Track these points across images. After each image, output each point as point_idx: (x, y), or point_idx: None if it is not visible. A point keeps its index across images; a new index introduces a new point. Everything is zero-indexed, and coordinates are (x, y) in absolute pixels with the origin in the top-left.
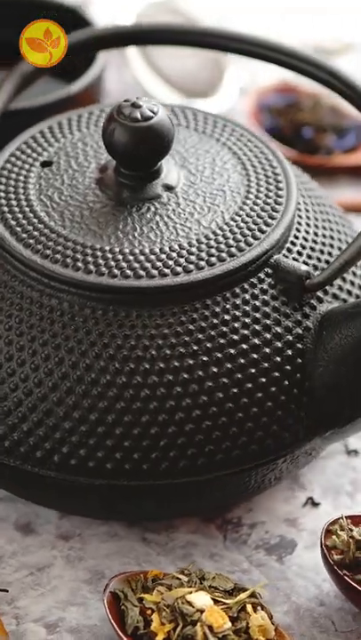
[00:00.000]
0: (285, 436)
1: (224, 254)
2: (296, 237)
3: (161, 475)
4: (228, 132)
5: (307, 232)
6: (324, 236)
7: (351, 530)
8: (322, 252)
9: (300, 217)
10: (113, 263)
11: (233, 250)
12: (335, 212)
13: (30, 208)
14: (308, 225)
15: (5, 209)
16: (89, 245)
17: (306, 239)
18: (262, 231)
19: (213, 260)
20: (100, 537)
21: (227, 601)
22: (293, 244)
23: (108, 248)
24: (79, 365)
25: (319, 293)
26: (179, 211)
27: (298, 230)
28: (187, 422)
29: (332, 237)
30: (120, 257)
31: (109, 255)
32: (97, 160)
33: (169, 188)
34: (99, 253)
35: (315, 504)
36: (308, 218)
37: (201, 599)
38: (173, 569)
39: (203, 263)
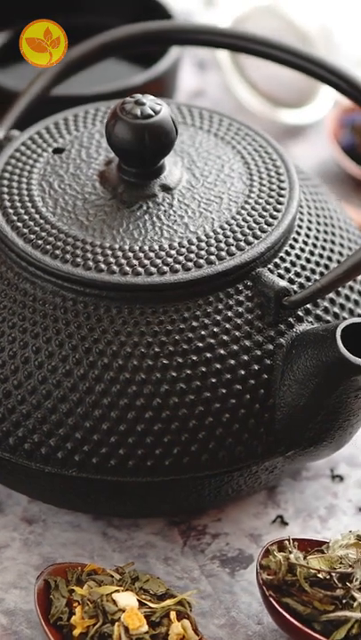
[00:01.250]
0: (241, 450)
1: (202, 260)
2: (287, 253)
3: (108, 471)
4: (247, 140)
5: (302, 250)
6: (321, 255)
7: (290, 552)
8: (313, 270)
9: (297, 233)
10: (90, 255)
11: (212, 257)
12: (345, 232)
13: (28, 192)
14: (304, 242)
15: (5, 189)
16: (72, 235)
17: (298, 256)
18: (248, 242)
19: (190, 264)
20: (63, 526)
21: (153, 605)
22: (283, 259)
23: (89, 240)
24: (42, 352)
25: (300, 313)
26: (170, 212)
27: (291, 247)
28: (139, 422)
29: (330, 257)
30: (99, 250)
31: (88, 247)
32: (107, 153)
33: (166, 189)
34: (79, 244)
35: (284, 523)
36: (307, 236)
37: (125, 599)
38: None
39: (178, 267)
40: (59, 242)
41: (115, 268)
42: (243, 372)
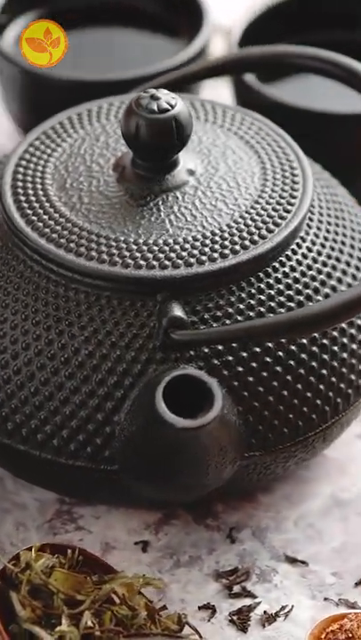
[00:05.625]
0: (75, 447)
1: (167, 262)
2: (287, 259)
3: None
4: (254, 130)
5: (293, 268)
6: (325, 263)
7: (52, 557)
8: (314, 278)
9: (302, 239)
10: (94, 246)
11: (178, 262)
12: (358, 238)
13: (42, 181)
14: (308, 249)
15: (20, 176)
16: (84, 228)
17: (294, 268)
18: (211, 259)
19: (141, 262)
20: None
21: None
22: (283, 263)
23: (86, 226)
24: (40, 338)
25: (192, 353)
26: (175, 209)
27: (289, 257)
28: (29, 398)
29: (334, 266)
30: (103, 241)
31: (94, 238)
32: (123, 146)
33: (176, 186)
34: (85, 234)
35: (143, 550)
36: (312, 242)
37: None
38: None
39: (142, 262)
40: (72, 235)
41: (154, 263)
42: (99, 377)
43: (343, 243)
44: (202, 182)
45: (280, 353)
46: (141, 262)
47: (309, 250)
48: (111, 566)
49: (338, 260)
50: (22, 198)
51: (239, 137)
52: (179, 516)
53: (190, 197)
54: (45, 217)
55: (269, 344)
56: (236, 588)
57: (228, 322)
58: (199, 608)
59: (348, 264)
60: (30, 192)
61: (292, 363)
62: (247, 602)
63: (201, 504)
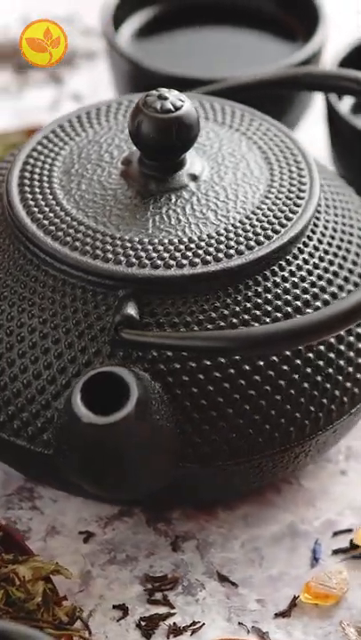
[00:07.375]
0: (16, 425)
1: (134, 260)
2: (287, 263)
3: None
4: (280, 147)
5: (266, 289)
6: (326, 269)
7: None
8: (313, 283)
9: (305, 244)
10: (99, 245)
11: (145, 262)
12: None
13: (49, 179)
14: (310, 254)
15: (35, 154)
16: (90, 227)
17: (268, 289)
18: (215, 260)
19: (109, 256)
20: None
21: None
22: (283, 266)
23: (72, 212)
24: (3, 313)
25: (140, 354)
26: (154, 211)
27: (265, 277)
28: None
29: (335, 272)
30: (109, 240)
31: (67, 219)
32: (131, 146)
33: (182, 186)
34: (90, 233)
35: (85, 541)
36: (291, 275)
37: None
38: None
39: (110, 256)
40: (55, 219)
41: (122, 258)
42: (47, 360)
43: (341, 266)
44: (201, 189)
45: (231, 370)
46: (110, 256)
47: (292, 274)
48: (30, 550)
49: (323, 290)
50: (27, 175)
51: (262, 151)
52: (133, 514)
53: (183, 202)
54: (39, 197)
55: (222, 359)
56: (158, 595)
57: (183, 330)
58: (113, 607)
59: (335, 293)
60: (37, 171)
61: (242, 382)
62: (162, 610)
63: (157, 507)
